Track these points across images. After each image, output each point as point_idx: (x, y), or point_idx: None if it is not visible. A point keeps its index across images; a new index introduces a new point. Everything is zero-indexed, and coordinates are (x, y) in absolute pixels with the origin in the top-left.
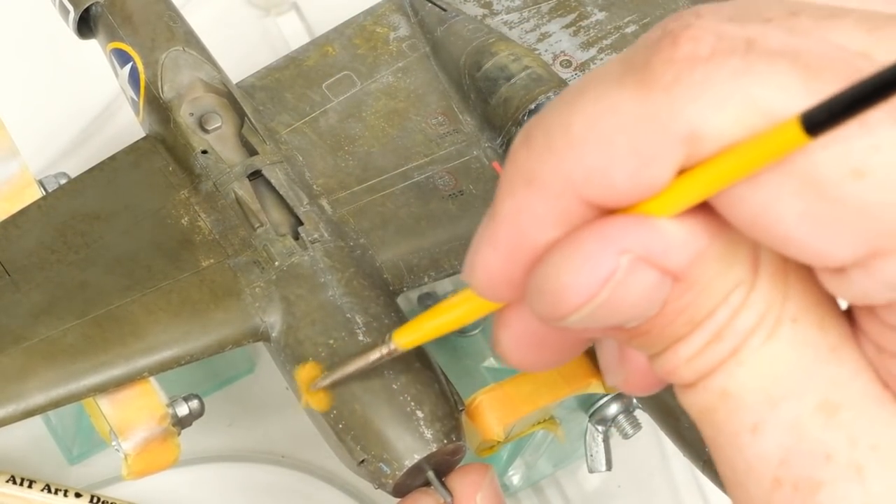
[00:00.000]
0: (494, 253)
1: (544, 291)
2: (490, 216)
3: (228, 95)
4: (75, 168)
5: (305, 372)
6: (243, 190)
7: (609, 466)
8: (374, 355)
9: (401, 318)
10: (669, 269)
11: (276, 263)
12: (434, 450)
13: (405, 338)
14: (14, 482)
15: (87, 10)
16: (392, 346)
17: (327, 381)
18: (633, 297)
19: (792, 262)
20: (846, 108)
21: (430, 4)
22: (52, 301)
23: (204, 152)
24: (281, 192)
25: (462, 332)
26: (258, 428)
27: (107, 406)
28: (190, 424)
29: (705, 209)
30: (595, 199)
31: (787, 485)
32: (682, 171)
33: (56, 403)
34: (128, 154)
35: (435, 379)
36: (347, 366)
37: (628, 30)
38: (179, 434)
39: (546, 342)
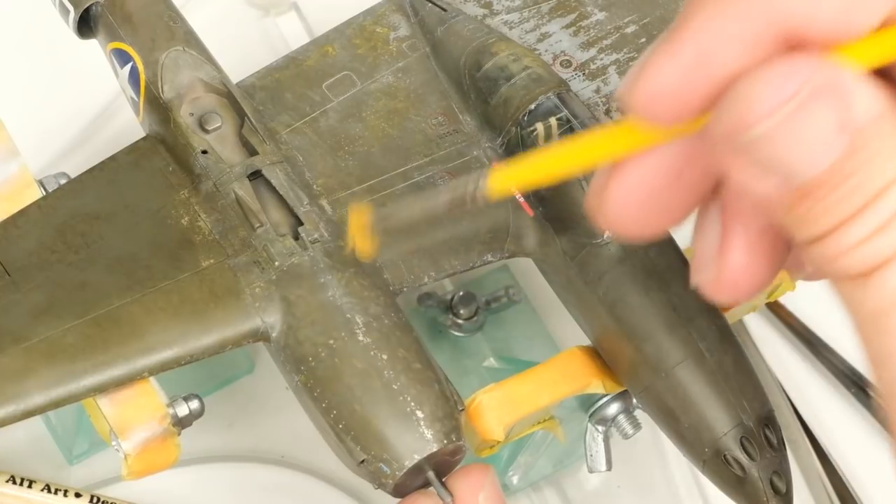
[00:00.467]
0: (674, 67)
1: (734, 100)
2: (673, 30)
3: (228, 95)
4: (75, 168)
5: (359, 214)
6: (243, 190)
7: (609, 466)
8: (449, 195)
9: (401, 318)
10: (849, 119)
11: (276, 263)
12: (434, 450)
13: (505, 177)
14: (14, 482)
15: (87, 10)
16: (480, 187)
17: (380, 219)
18: (810, 133)
19: None
20: None
21: (430, 4)
22: (52, 301)
23: (204, 152)
24: (281, 193)
25: (462, 331)
26: (258, 428)
27: (107, 406)
28: (190, 424)
29: (892, 83)
30: (793, 29)
31: None
32: (884, 26)
33: (56, 403)
34: (128, 154)
35: (435, 379)
36: (413, 205)
37: (628, 30)
38: (179, 434)
39: (658, 199)
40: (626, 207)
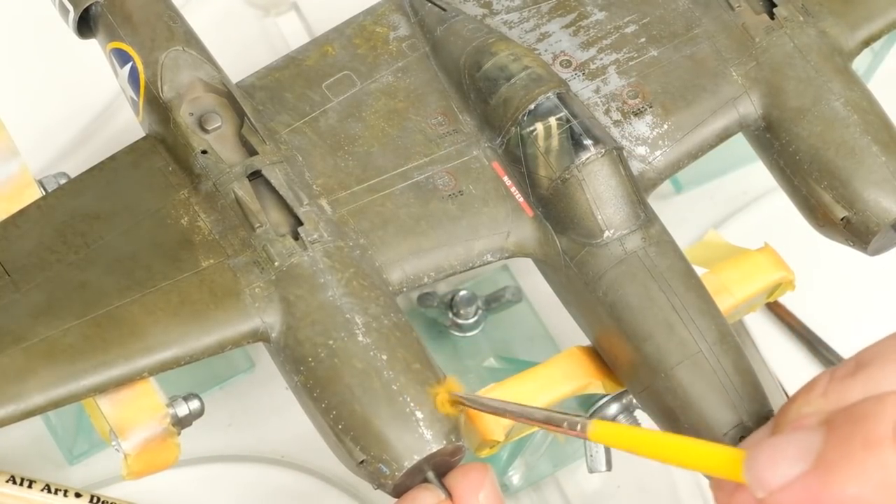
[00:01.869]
0: (809, 492)
1: None
2: (822, 464)
3: (228, 95)
4: (75, 168)
5: (453, 383)
6: (243, 190)
7: (609, 466)
8: (547, 418)
9: (400, 318)
10: None
11: (276, 264)
12: (434, 450)
13: (602, 432)
14: (14, 482)
15: (86, 10)
16: (581, 429)
17: (473, 400)
18: None
19: None
20: None
21: (429, 4)
22: (52, 301)
23: (204, 152)
24: (281, 193)
25: (462, 331)
26: (258, 428)
27: (107, 406)
28: (190, 424)
29: None
30: None
31: None
32: None
33: (56, 403)
34: (128, 154)
35: (435, 379)
36: (507, 405)
37: (628, 30)
38: (179, 434)
39: None
40: None
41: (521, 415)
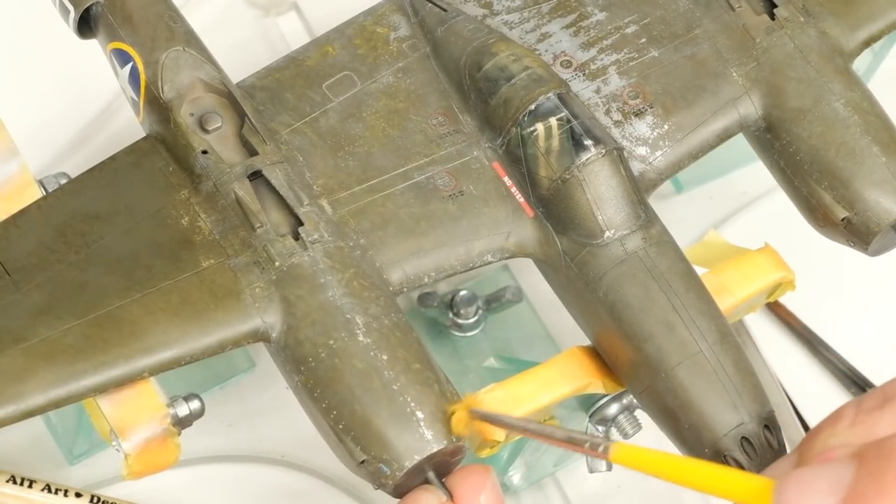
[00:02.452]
0: None
1: None
2: (854, 499)
3: (229, 95)
4: (75, 168)
5: (473, 399)
6: (243, 190)
7: (609, 467)
8: (568, 439)
9: (401, 319)
10: None
11: (277, 264)
12: (434, 450)
13: (624, 455)
14: (14, 482)
15: (87, 10)
16: (604, 451)
17: (494, 417)
18: None
19: None
20: None
21: (430, 4)
22: (52, 301)
23: (204, 152)
24: (281, 193)
25: (462, 331)
26: (258, 428)
27: (107, 406)
28: (190, 424)
29: None
30: None
31: None
32: None
33: (56, 403)
34: (128, 154)
35: (435, 379)
36: (528, 424)
37: (629, 30)
38: (179, 434)
39: None
40: None
41: (542, 433)
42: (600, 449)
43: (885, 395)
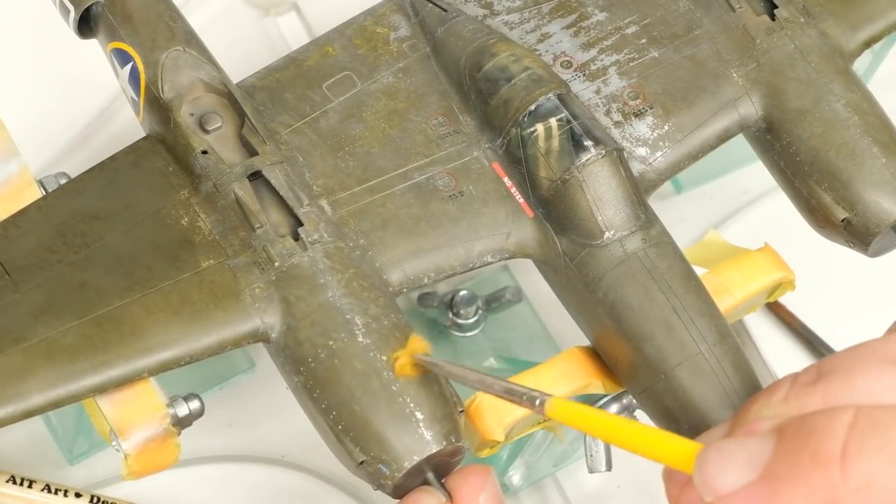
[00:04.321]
0: (754, 501)
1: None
2: (770, 475)
3: (229, 96)
4: (75, 168)
5: (417, 343)
6: (243, 190)
7: (609, 466)
8: (507, 389)
9: (400, 319)
10: None
11: (276, 264)
12: (433, 451)
13: (559, 410)
14: (14, 482)
15: (87, 10)
16: (540, 404)
17: (434, 364)
18: None
19: None
20: None
21: (430, 5)
22: (52, 301)
23: (204, 152)
24: (281, 193)
25: (462, 331)
26: (258, 428)
27: (107, 406)
28: (190, 424)
29: None
30: None
31: None
32: None
33: (56, 403)
34: (128, 154)
35: (434, 380)
36: (468, 373)
37: (629, 30)
38: (179, 434)
39: None
40: None
41: (481, 384)
42: (537, 402)
43: (820, 372)
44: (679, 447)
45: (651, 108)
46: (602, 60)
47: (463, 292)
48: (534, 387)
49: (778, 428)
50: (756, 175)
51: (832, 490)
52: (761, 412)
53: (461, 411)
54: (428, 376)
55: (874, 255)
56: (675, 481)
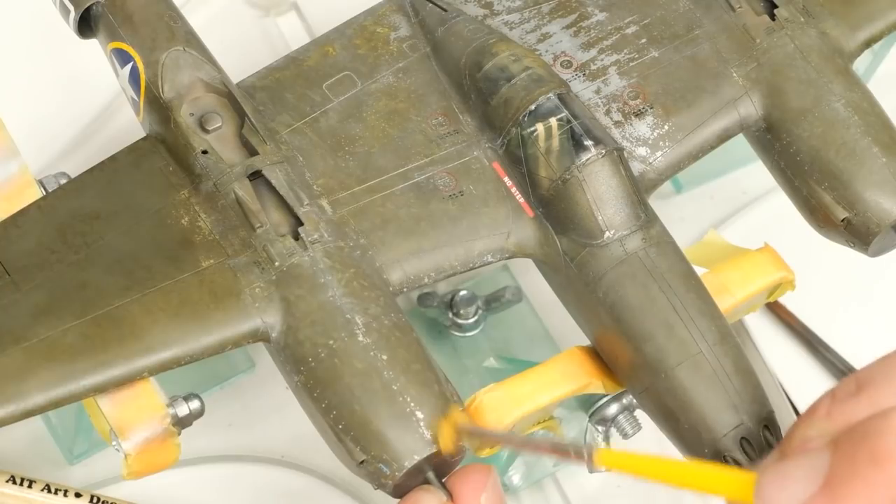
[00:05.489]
0: None
1: None
2: (830, 484)
3: (229, 95)
4: (75, 168)
5: (457, 413)
6: (243, 190)
7: None
8: (554, 448)
9: (400, 319)
10: None
11: (276, 264)
12: (434, 450)
13: (609, 459)
14: (14, 482)
15: (87, 10)
16: (587, 457)
17: (481, 432)
18: None
19: None
20: None
21: (430, 5)
22: (52, 301)
23: (204, 152)
24: (281, 193)
25: (462, 331)
26: (258, 428)
27: (107, 406)
28: (190, 424)
29: None
30: None
31: None
32: None
33: (56, 403)
34: (128, 154)
35: (435, 379)
36: (513, 438)
37: (629, 30)
38: (179, 434)
39: None
40: None
41: (528, 444)
42: (585, 455)
43: (859, 383)
44: (733, 478)
45: (651, 108)
46: (602, 60)
47: (463, 292)
48: (534, 386)
49: (832, 440)
50: (756, 175)
51: (893, 485)
52: (808, 433)
53: (461, 411)
54: (428, 375)
55: (874, 254)
56: None
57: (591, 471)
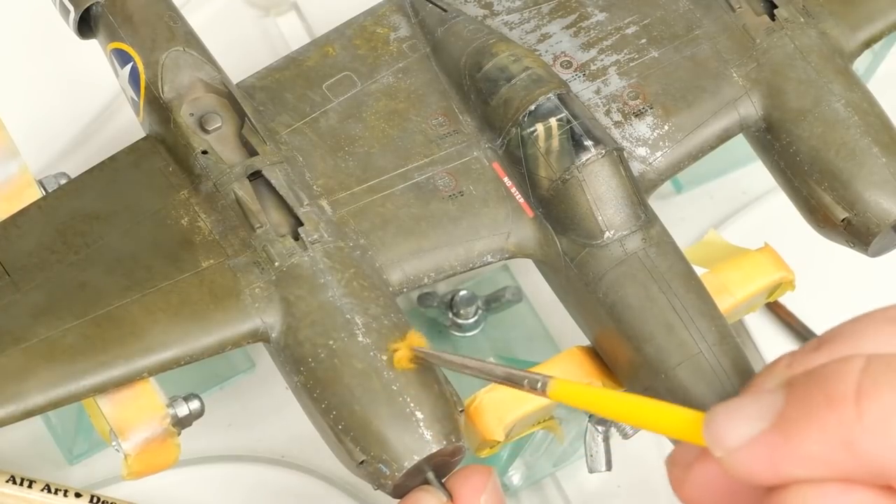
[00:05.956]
0: (768, 450)
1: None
2: (782, 422)
3: (229, 96)
4: (75, 168)
5: (415, 337)
6: (243, 190)
7: (609, 466)
8: (508, 375)
9: (400, 319)
10: None
11: (276, 264)
12: (434, 451)
13: (562, 390)
14: (14, 482)
15: (87, 10)
16: (542, 387)
17: (432, 355)
18: None
19: None
20: None
21: (430, 5)
22: (52, 301)
23: (204, 153)
24: (281, 193)
25: (462, 331)
26: (258, 428)
27: (107, 406)
28: (190, 424)
29: None
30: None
31: None
32: None
33: (56, 403)
34: (128, 154)
35: (434, 380)
36: (468, 363)
37: (629, 31)
38: (179, 434)
39: (728, 492)
40: (702, 492)
41: (481, 371)
42: (538, 385)
43: (821, 341)
44: (684, 416)
45: (651, 108)
46: (602, 60)
47: (463, 292)
48: None
49: (787, 381)
50: (756, 175)
51: (847, 429)
52: (765, 383)
53: (461, 411)
54: (428, 375)
55: (874, 254)
56: (679, 464)
57: (592, 471)
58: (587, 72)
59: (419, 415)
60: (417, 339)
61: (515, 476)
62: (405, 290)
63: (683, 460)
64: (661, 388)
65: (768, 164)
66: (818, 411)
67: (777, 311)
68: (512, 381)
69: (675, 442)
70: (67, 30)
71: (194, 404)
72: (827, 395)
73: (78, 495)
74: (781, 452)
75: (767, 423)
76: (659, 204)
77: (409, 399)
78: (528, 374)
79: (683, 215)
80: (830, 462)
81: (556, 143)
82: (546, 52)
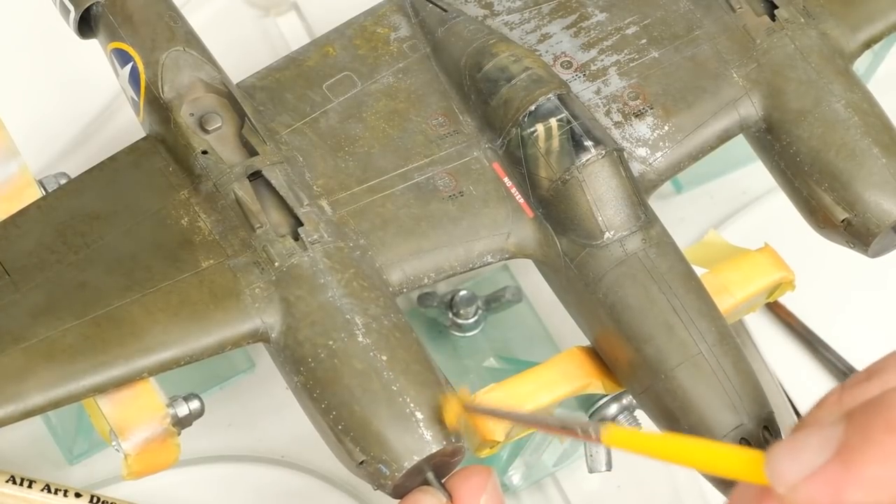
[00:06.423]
0: (831, 480)
1: None
2: (844, 452)
3: (229, 96)
4: (75, 168)
5: (463, 393)
6: (243, 190)
7: (609, 466)
8: (563, 426)
9: (400, 319)
10: None
11: (276, 264)
12: (433, 451)
13: (617, 436)
14: (14, 482)
15: (87, 10)
16: (595, 433)
17: (487, 410)
18: None
19: None
20: None
21: (430, 5)
22: (52, 301)
23: (204, 153)
24: (281, 193)
25: (462, 331)
26: (258, 428)
27: (107, 406)
28: (190, 424)
29: None
30: None
31: None
32: None
33: (56, 403)
34: (128, 154)
35: (434, 380)
36: (522, 415)
37: (629, 31)
38: (179, 434)
39: None
40: None
41: (534, 422)
42: (592, 432)
43: (870, 373)
44: (745, 457)
45: (651, 109)
46: (602, 61)
47: (463, 292)
48: (534, 386)
49: (846, 414)
50: (756, 175)
51: None
52: (819, 416)
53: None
54: (428, 376)
55: (874, 255)
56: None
57: (592, 471)
58: (587, 72)
59: (419, 415)
60: (465, 395)
61: (515, 476)
62: (405, 290)
63: (744, 502)
64: (660, 388)
65: (768, 165)
66: (880, 437)
67: (777, 311)
68: (566, 430)
69: (717, 480)
70: (67, 30)
71: (194, 404)
72: (887, 422)
73: (78, 495)
74: (845, 480)
75: (829, 455)
76: (659, 204)
77: (408, 399)
78: (581, 423)
79: (683, 215)
80: (893, 485)
81: (556, 143)
82: (546, 52)
